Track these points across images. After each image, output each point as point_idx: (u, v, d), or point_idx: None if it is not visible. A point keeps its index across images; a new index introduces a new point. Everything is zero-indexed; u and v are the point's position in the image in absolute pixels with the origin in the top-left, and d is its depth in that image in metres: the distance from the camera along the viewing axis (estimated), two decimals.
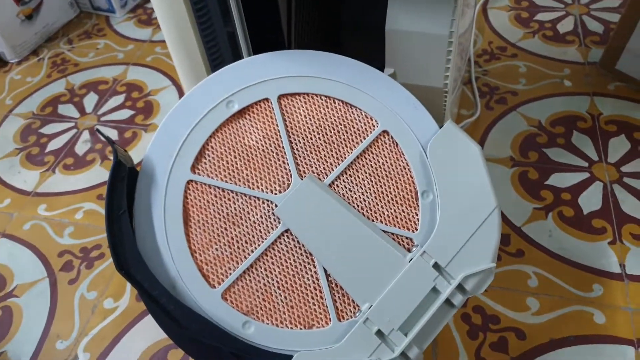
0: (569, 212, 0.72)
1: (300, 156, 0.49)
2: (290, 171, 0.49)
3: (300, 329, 0.46)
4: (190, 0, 0.53)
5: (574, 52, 0.96)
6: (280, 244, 0.47)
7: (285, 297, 0.46)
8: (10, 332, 0.68)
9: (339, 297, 0.46)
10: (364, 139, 0.50)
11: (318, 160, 0.49)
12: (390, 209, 0.48)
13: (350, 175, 0.49)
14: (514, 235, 0.70)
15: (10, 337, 0.67)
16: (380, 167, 0.49)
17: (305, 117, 0.50)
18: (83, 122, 0.96)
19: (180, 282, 0.46)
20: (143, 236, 0.46)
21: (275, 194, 0.48)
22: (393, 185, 0.49)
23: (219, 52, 0.57)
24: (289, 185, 0.48)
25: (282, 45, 0.59)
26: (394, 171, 0.49)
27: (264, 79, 0.51)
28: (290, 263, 0.47)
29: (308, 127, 0.50)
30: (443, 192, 0.47)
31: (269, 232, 0.47)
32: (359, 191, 0.49)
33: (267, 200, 0.48)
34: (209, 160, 0.49)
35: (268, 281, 0.46)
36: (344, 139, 0.50)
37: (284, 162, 0.49)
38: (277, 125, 0.50)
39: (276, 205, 0.47)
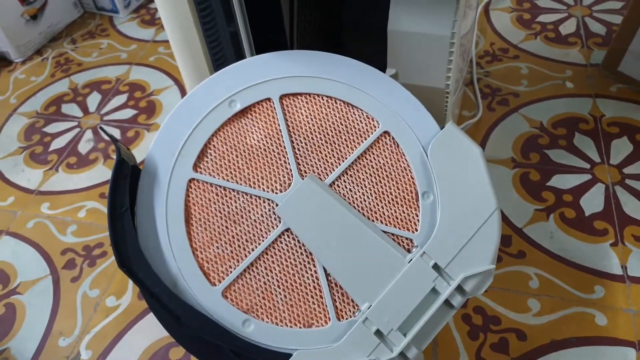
0: (570, 214, 0.72)
1: (301, 156, 0.49)
2: (291, 171, 0.49)
3: (300, 327, 0.46)
4: (193, 0, 0.53)
5: (576, 53, 0.96)
6: (281, 243, 0.47)
7: (285, 296, 0.46)
8: (14, 329, 0.68)
9: (338, 296, 0.47)
10: (365, 139, 0.50)
11: (319, 160, 0.49)
12: (391, 209, 0.48)
13: (351, 176, 0.49)
14: (515, 237, 0.70)
15: (13, 334, 0.68)
16: (381, 168, 0.49)
17: (306, 117, 0.50)
18: (86, 122, 0.96)
19: (181, 280, 0.46)
20: (145, 234, 0.47)
21: (276, 193, 0.48)
22: (394, 185, 0.49)
23: (221, 52, 0.57)
24: (289, 184, 0.48)
25: (284, 46, 0.59)
26: (394, 172, 0.49)
27: (266, 79, 0.51)
28: (291, 262, 0.47)
29: (309, 127, 0.50)
30: (443, 193, 0.48)
31: (270, 231, 0.47)
32: (359, 191, 0.49)
33: (268, 200, 0.48)
34: (211, 159, 0.49)
35: (268, 280, 0.47)
36: (345, 139, 0.50)
37: (285, 162, 0.49)
38: (278, 125, 0.50)
39: (277, 205, 0.48)
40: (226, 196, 0.48)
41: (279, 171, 0.49)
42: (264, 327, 0.46)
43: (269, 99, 0.50)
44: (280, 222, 0.47)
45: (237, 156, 0.49)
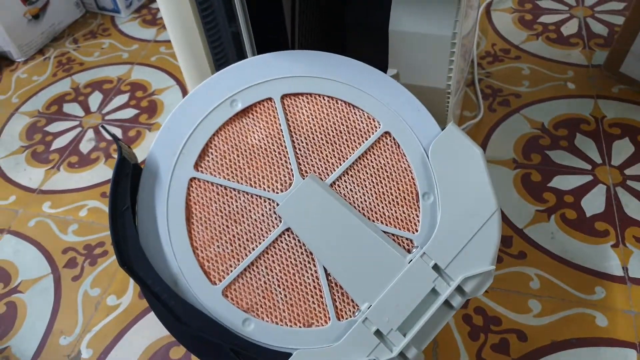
0: (571, 215, 0.72)
1: (302, 156, 0.49)
2: (292, 170, 0.49)
3: (300, 327, 0.46)
4: (195, 1, 0.53)
5: (577, 54, 0.96)
6: (281, 242, 0.47)
7: (285, 296, 0.47)
8: (15, 327, 0.68)
9: (338, 296, 0.47)
10: (366, 139, 0.50)
11: (320, 160, 0.49)
12: (391, 209, 0.48)
13: (351, 176, 0.49)
14: (516, 237, 0.70)
15: (14, 333, 0.68)
16: (382, 168, 0.49)
17: (308, 117, 0.51)
18: (88, 121, 0.96)
19: (181, 279, 0.46)
20: (146, 232, 0.47)
21: (277, 192, 0.48)
22: (394, 186, 0.49)
23: (223, 51, 0.57)
24: (290, 184, 0.48)
25: (285, 46, 0.59)
26: (395, 172, 0.49)
27: (268, 79, 0.51)
28: (291, 262, 0.47)
29: (311, 127, 0.50)
30: (444, 194, 0.48)
31: (270, 231, 0.47)
32: (360, 191, 0.49)
33: (269, 199, 0.48)
34: (212, 158, 0.49)
35: (268, 279, 0.47)
36: (346, 140, 0.50)
37: (286, 162, 0.49)
38: (279, 125, 0.50)
39: (278, 204, 0.48)
40: (227, 195, 0.48)
41: (279, 171, 0.49)
42: (264, 326, 0.46)
43: (270, 99, 0.51)
44: (280, 221, 0.47)
45: (238, 155, 0.49)
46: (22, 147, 0.93)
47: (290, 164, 0.49)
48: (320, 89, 0.51)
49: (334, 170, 0.49)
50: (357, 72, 0.51)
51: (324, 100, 0.51)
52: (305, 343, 0.46)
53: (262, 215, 0.48)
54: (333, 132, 0.50)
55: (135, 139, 0.91)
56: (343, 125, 0.50)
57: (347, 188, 0.49)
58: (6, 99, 1.04)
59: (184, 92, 0.99)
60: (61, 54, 1.14)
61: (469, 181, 0.47)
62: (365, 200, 0.49)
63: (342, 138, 0.50)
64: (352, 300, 0.46)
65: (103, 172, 0.87)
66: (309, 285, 0.47)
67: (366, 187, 0.49)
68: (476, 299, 0.65)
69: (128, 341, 0.66)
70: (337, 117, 0.51)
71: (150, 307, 0.45)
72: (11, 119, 0.99)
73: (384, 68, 0.62)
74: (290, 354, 0.45)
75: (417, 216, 0.48)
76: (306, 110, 0.51)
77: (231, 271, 0.47)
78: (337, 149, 0.50)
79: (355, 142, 0.50)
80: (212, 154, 0.49)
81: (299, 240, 0.47)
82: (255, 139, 0.50)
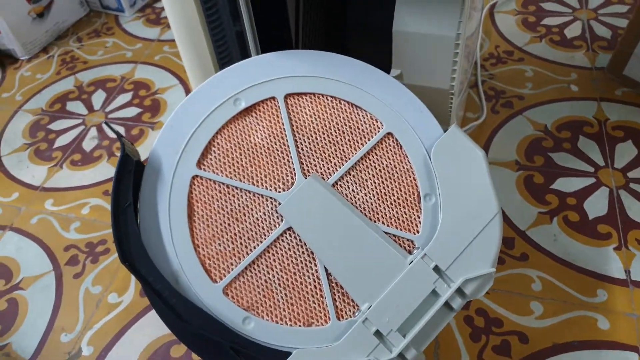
0: (574, 217, 0.72)
1: (304, 155, 0.49)
2: (294, 170, 0.49)
3: (300, 326, 0.46)
4: (200, 0, 0.53)
5: (581, 57, 0.96)
6: (282, 241, 0.47)
7: (286, 295, 0.47)
8: (16, 324, 0.69)
9: (338, 296, 0.47)
10: (369, 140, 0.50)
11: (322, 160, 0.49)
12: (393, 210, 0.48)
13: (353, 176, 0.49)
14: (518, 239, 0.70)
15: (15, 329, 0.68)
16: (384, 169, 0.49)
17: (311, 116, 0.51)
18: (91, 119, 0.97)
19: (182, 276, 0.46)
20: (147, 229, 0.47)
21: (279, 192, 0.48)
22: (396, 187, 0.49)
23: (227, 50, 0.57)
24: (292, 183, 0.48)
25: (289, 45, 0.59)
26: (397, 173, 0.49)
27: (271, 78, 0.51)
28: (292, 261, 0.47)
29: (313, 127, 0.50)
30: (446, 196, 0.48)
31: (272, 230, 0.47)
32: (362, 192, 0.49)
33: (271, 198, 0.48)
34: (215, 156, 0.49)
35: (269, 278, 0.47)
36: (349, 140, 0.50)
37: (288, 161, 0.49)
38: (282, 124, 0.50)
39: (279, 203, 0.48)
40: (229, 194, 0.48)
41: (282, 170, 0.49)
42: (264, 325, 0.46)
43: (273, 98, 0.51)
44: (282, 220, 0.47)
45: (240, 154, 0.49)
46: (25, 145, 0.93)
47: (292, 163, 0.49)
48: (323, 88, 0.51)
49: (336, 170, 0.49)
50: (360, 73, 0.51)
51: (327, 100, 0.51)
52: (305, 342, 0.45)
53: (264, 214, 0.48)
54: (336, 132, 0.50)
55: (138, 137, 0.91)
56: (346, 125, 0.50)
57: (349, 188, 0.49)
58: (10, 96, 1.04)
59: (187, 91, 0.99)
60: (65, 52, 1.14)
61: (470, 183, 0.47)
62: (367, 201, 0.48)
63: (345, 138, 0.50)
64: (353, 301, 0.46)
65: (106, 170, 0.87)
66: (310, 284, 0.47)
67: (368, 187, 0.49)
68: (478, 300, 0.65)
69: (129, 339, 0.66)
70: (339, 117, 0.51)
71: (151, 304, 0.45)
72: (15, 116, 0.99)
73: (387, 68, 0.62)
74: (289, 353, 0.45)
75: (419, 217, 0.48)
76: (309, 110, 0.51)
77: (232, 269, 0.47)
78: (340, 149, 0.50)
79: (357, 142, 0.50)
80: (214, 152, 0.49)
81: (300, 240, 0.47)
82: (258, 138, 0.50)
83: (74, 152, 0.91)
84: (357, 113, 0.51)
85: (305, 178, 0.48)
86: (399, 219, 0.48)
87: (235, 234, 0.47)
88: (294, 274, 0.47)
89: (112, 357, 0.64)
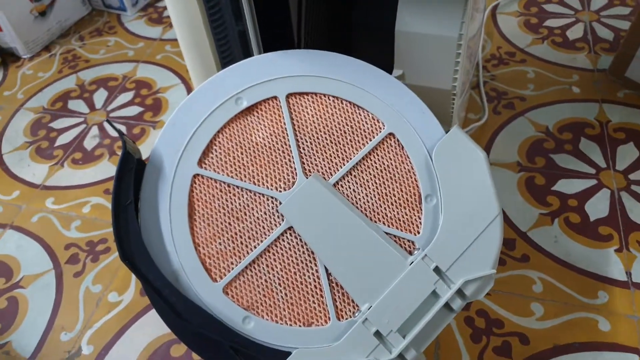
0: (575, 219, 0.72)
1: (306, 155, 0.49)
2: (295, 169, 0.49)
3: (300, 326, 0.46)
4: None
5: (583, 58, 0.95)
6: (283, 241, 0.47)
7: (286, 294, 0.46)
8: (16, 322, 0.68)
9: (339, 296, 0.46)
10: (370, 140, 0.50)
11: (324, 160, 0.49)
12: (394, 211, 0.48)
13: (355, 176, 0.49)
14: (519, 240, 0.70)
15: (15, 328, 0.68)
16: (385, 170, 0.49)
17: (312, 116, 0.50)
18: (92, 118, 0.97)
19: (182, 275, 0.46)
20: (148, 228, 0.47)
21: (280, 191, 0.48)
22: (397, 187, 0.49)
23: (229, 50, 0.57)
24: (293, 183, 0.48)
25: (292, 45, 0.59)
26: (398, 174, 0.49)
27: (273, 77, 0.51)
28: (292, 260, 0.47)
29: (315, 127, 0.50)
30: (447, 197, 0.47)
31: (272, 229, 0.47)
32: (363, 192, 0.49)
33: (272, 197, 0.48)
34: (216, 155, 0.49)
35: (269, 277, 0.47)
36: (350, 140, 0.50)
37: (289, 160, 0.49)
38: (284, 124, 0.50)
39: (280, 203, 0.48)
40: (230, 193, 0.48)
41: (283, 169, 0.49)
42: (264, 324, 0.46)
43: (275, 97, 0.51)
44: (283, 220, 0.47)
45: (242, 153, 0.49)
46: (26, 143, 0.93)
47: (293, 162, 0.49)
48: (325, 88, 0.51)
49: (338, 170, 0.49)
50: (362, 73, 0.51)
51: (329, 100, 0.51)
52: (304, 342, 0.45)
53: (265, 213, 0.48)
54: (337, 132, 0.50)
55: (139, 136, 0.91)
56: (347, 125, 0.50)
57: (350, 188, 0.49)
58: (11, 94, 1.04)
59: (189, 90, 0.99)
60: (67, 51, 1.14)
61: (472, 184, 0.47)
62: (368, 201, 0.48)
63: (346, 138, 0.50)
64: (353, 301, 0.46)
65: (107, 168, 0.87)
66: (310, 284, 0.47)
67: (369, 187, 0.49)
68: (478, 301, 0.65)
69: (129, 338, 0.66)
70: (341, 117, 0.51)
71: (151, 303, 0.45)
72: (16, 114, 0.99)
73: (389, 68, 0.62)
74: (289, 353, 0.45)
75: (420, 218, 0.48)
76: (311, 110, 0.51)
77: (232, 269, 0.47)
78: (341, 149, 0.50)
79: (359, 142, 0.50)
80: (216, 151, 0.49)
81: (300, 240, 0.47)
82: (259, 137, 0.50)
83: (75, 150, 0.91)
84: (359, 113, 0.51)
85: (307, 178, 0.48)
86: (399, 220, 0.48)
87: (235, 233, 0.47)
88: (294, 273, 0.47)
89: (112, 356, 0.64)
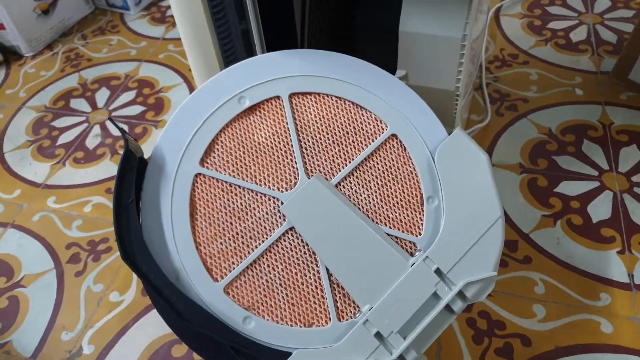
0: (577, 220, 0.71)
1: (308, 155, 0.49)
2: (297, 169, 0.49)
3: (300, 326, 0.46)
4: None
5: (586, 61, 0.95)
6: (284, 241, 0.47)
7: (287, 295, 0.46)
8: (16, 322, 0.68)
9: (340, 297, 0.46)
10: (373, 141, 0.50)
11: (326, 160, 0.49)
12: (395, 212, 0.48)
13: (357, 177, 0.49)
14: (521, 242, 0.70)
15: (16, 327, 0.68)
16: (387, 171, 0.49)
17: (315, 116, 0.50)
18: (94, 117, 0.97)
19: (183, 274, 0.46)
20: (149, 227, 0.47)
21: (282, 191, 0.48)
22: (399, 189, 0.49)
23: (232, 49, 0.57)
24: (295, 183, 0.48)
25: (295, 45, 0.59)
26: (400, 175, 0.49)
27: (276, 77, 0.51)
28: (293, 261, 0.47)
29: (318, 127, 0.50)
30: (448, 199, 0.47)
31: (274, 229, 0.47)
32: (364, 193, 0.49)
33: (274, 197, 0.48)
34: (218, 154, 0.49)
35: (270, 278, 0.47)
36: (353, 141, 0.50)
37: (292, 160, 0.49)
38: (287, 123, 0.50)
39: (282, 203, 0.47)
40: (232, 192, 0.48)
41: (285, 169, 0.49)
42: (265, 324, 0.46)
43: (278, 97, 0.50)
44: (284, 220, 0.47)
45: (244, 153, 0.49)
46: (28, 142, 0.93)
47: (296, 163, 0.49)
48: (328, 88, 0.51)
49: (340, 171, 0.49)
50: (365, 73, 0.51)
51: (332, 100, 0.51)
52: (305, 343, 0.45)
53: (266, 213, 0.48)
54: (340, 132, 0.50)
55: (141, 135, 0.91)
56: (350, 126, 0.50)
57: (352, 189, 0.49)
58: (14, 93, 1.04)
59: (191, 90, 0.99)
60: (69, 49, 1.14)
61: (474, 186, 0.47)
62: (370, 202, 0.48)
63: (349, 139, 0.50)
64: (354, 302, 0.46)
65: (108, 168, 0.87)
66: (311, 285, 0.47)
67: (371, 188, 0.49)
68: (480, 302, 0.64)
69: (130, 338, 0.65)
70: (344, 117, 0.50)
71: (152, 302, 0.45)
72: (18, 113, 0.99)
73: (392, 69, 0.62)
74: (290, 353, 0.45)
75: (421, 220, 0.48)
76: (314, 110, 0.51)
77: (233, 268, 0.46)
78: (344, 149, 0.50)
79: (361, 143, 0.50)
80: (218, 150, 0.49)
81: (302, 240, 0.47)
82: (262, 137, 0.49)
83: (76, 149, 0.91)
84: (362, 114, 0.50)
85: (309, 178, 0.48)
86: (401, 221, 0.48)
87: (237, 233, 0.47)
88: (296, 274, 0.47)
89: (113, 356, 0.64)
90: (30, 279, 0.73)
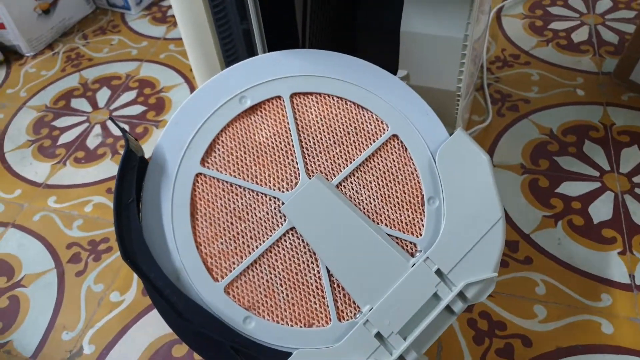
0: (578, 221, 0.71)
1: (309, 155, 0.49)
2: (298, 170, 0.49)
3: (301, 327, 0.46)
4: None
5: (588, 61, 0.95)
6: (285, 241, 0.47)
7: (287, 295, 0.46)
8: (17, 321, 0.68)
9: (340, 297, 0.46)
10: (374, 141, 0.50)
11: (327, 161, 0.49)
12: (396, 213, 0.48)
13: (358, 177, 0.49)
14: (522, 242, 0.70)
15: (16, 327, 0.68)
16: (388, 171, 0.49)
17: (316, 116, 0.50)
18: (95, 117, 0.97)
19: (184, 274, 0.46)
20: (150, 226, 0.47)
21: (283, 191, 0.48)
22: (400, 189, 0.49)
23: (234, 48, 0.57)
24: (296, 183, 0.48)
25: (296, 44, 0.59)
26: (401, 176, 0.49)
27: (278, 77, 0.51)
28: (294, 261, 0.47)
29: (319, 127, 0.50)
30: (449, 200, 0.47)
31: (275, 229, 0.47)
32: (365, 193, 0.49)
33: (274, 198, 0.48)
34: (219, 154, 0.49)
35: (271, 278, 0.46)
36: (354, 141, 0.50)
37: (293, 161, 0.49)
38: (288, 123, 0.50)
39: (283, 203, 0.47)
40: (232, 192, 0.48)
41: (286, 169, 0.49)
42: (265, 324, 0.45)
43: (279, 97, 0.50)
44: (285, 220, 0.47)
45: (245, 152, 0.49)
46: (28, 141, 0.93)
47: (297, 163, 0.49)
48: (329, 89, 0.51)
49: (341, 171, 0.49)
50: (367, 74, 0.51)
51: (333, 100, 0.51)
52: (305, 343, 0.45)
53: (267, 213, 0.48)
54: (341, 132, 0.50)
55: (142, 135, 0.91)
56: (351, 126, 0.50)
57: (353, 189, 0.49)
58: (14, 92, 1.04)
59: (192, 90, 0.99)
60: (70, 49, 1.14)
61: (474, 187, 0.47)
62: (371, 203, 0.48)
63: (350, 139, 0.50)
64: (354, 302, 0.46)
65: (109, 167, 0.87)
66: (311, 285, 0.47)
67: (372, 189, 0.49)
68: (481, 303, 0.64)
69: (131, 338, 0.65)
70: (345, 117, 0.50)
71: (152, 302, 0.45)
72: (19, 112, 0.99)
73: (394, 69, 0.62)
74: (290, 354, 0.44)
75: (422, 220, 0.48)
76: (315, 110, 0.50)
77: (234, 268, 0.46)
78: (345, 149, 0.49)
79: (362, 143, 0.50)
80: (219, 150, 0.49)
81: (302, 240, 0.47)
82: (263, 137, 0.49)
83: (77, 149, 0.91)
84: (363, 114, 0.50)
85: (310, 178, 0.48)
86: (402, 222, 0.48)
87: (237, 233, 0.47)
88: (296, 274, 0.47)
89: (114, 356, 0.64)
90: (31, 278, 0.73)
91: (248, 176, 0.48)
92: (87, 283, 0.71)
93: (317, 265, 0.47)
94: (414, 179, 0.49)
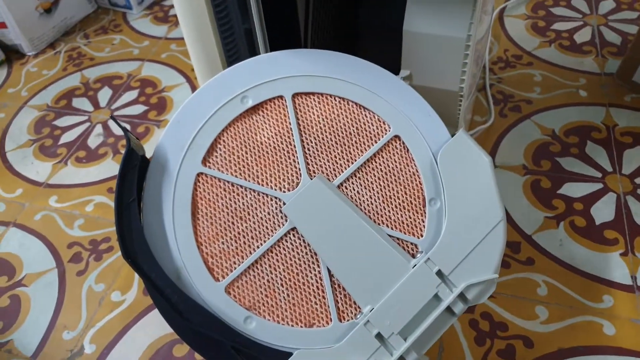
0: (580, 222, 0.71)
1: (311, 155, 0.49)
2: (300, 170, 0.48)
3: (301, 327, 0.46)
4: None
5: (590, 62, 0.95)
6: (286, 241, 0.47)
7: (288, 295, 0.46)
8: (18, 321, 0.68)
9: (341, 297, 0.46)
10: (376, 142, 0.50)
11: (328, 161, 0.49)
12: (397, 213, 0.48)
13: (359, 178, 0.49)
14: (524, 243, 0.70)
15: (17, 326, 0.68)
16: (390, 172, 0.49)
17: (318, 116, 0.50)
18: (97, 116, 0.97)
19: (185, 274, 0.46)
20: (151, 226, 0.46)
21: (284, 191, 0.48)
22: (401, 190, 0.49)
23: (235, 48, 0.57)
24: (298, 184, 0.48)
25: (298, 44, 0.59)
26: (403, 176, 0.49)
27: (280, 77, 0.51)
28: (295, 261, 0.47)
29: (320, 127, 0.50)
30: (451, 201, 0.47)
31: (276, 229, 0.47)
32: (367, 194, 0.48)
33: (276, 198, 0.48)
34: (221, 154, 0.49)
35: (272, 278, 0.46)
36: (356, 141, 0.50)
37: (294, 161, 0.49)
38: (289, 123, 0.50)
39: (284, 203, 0.47)
40: (234, 192, 0.48)
41: (287, 170, 0.49)
42: (266, 325, 0.45)
43: (281, 97, 0.50)
44: (286, 220, 0.47)
45: (246, 152, 0.49)
46: (30, 141, 0.93)
47: (298, 163, 0.49)
48: (331, 89, 0.51)
49: (342, 172, 0.49)
50: (369, 74, 0.51)
51: (335, 100, 0.51)
52: (306, 343, 0.45)
53: (268, 213, 0.47)
54: (343, 133, 0.50)
55: (144, 135, 0.91)
56: (353, 126, 0.50)
57: (354, 190, 0.48)
58: (16, 92, 1.04)
59: (194, 89, 0.99)
60: (72, 48, 1.14)
61: (476, 189, 0.47)
62: (372, 203, 0.48)
63: (352, 140, 0.50)
64: (355, 303, 0.46)
65: (110, 167, 0.87)
66: (312, 285, 0.46)
67: (373, 190, 0.48)
68: (483, 304, 0.64)
69: (131, 337, 0.65)
70: (347, 118, 0.50)
71: (153, 301, 0.44)
72: (20, 112, 0.99)
73: (396, 68, 0.62)
74: (290, 354, 0.44)
75: (423, 221, 0.48)
76: (317, 110, 0.50)
77: (235, 268, 0.46)
78: (346, 150, 0.49)
79: (364, 144, 0.50)
80: (220, 149, 0.49)
81: (304, 240, 0.47)
82: (264, 137, 0.49)
83: (78, 148, 0.91)
84: (365, 115, 0.50)
85: (311, 178, 0.48)
86: (403, 223, 0.48)
87: (238, 233, 0.47)
88: (297, 274, 0.47)
89: (114, 356, 0.64)
90: (32, 278, 0.73)
91: (249, 176, 0.48)
92: (88, 282, 0.71)
93: (318, 266, 0.47)
94: (416, 180, 0.49)
